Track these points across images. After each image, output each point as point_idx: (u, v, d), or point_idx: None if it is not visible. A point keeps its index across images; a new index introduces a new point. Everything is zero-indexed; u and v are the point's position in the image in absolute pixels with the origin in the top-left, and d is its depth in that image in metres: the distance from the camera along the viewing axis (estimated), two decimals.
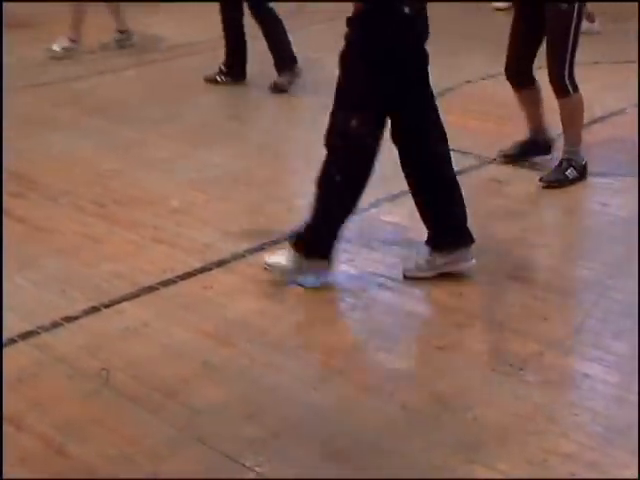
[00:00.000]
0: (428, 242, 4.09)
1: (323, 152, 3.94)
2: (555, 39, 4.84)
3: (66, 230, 4.66)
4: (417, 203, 4.09)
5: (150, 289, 4.05)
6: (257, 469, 2.92)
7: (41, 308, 3.92)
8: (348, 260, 4.26)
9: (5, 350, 3.58)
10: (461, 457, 2.96)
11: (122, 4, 8.32)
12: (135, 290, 4.03)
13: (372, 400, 3.28)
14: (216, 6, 6.92)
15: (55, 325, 3.78)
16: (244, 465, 2.94)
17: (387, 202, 4.79)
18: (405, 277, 4.08)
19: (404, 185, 4.13)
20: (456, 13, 8.80)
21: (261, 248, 4.36)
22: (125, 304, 3.95)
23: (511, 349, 3.53)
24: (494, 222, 4.61)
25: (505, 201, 4.88)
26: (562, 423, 3.12)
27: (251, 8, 6.76)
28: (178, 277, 4.15)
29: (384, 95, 3.87)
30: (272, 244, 4.33)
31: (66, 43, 7.96)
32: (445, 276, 4.05)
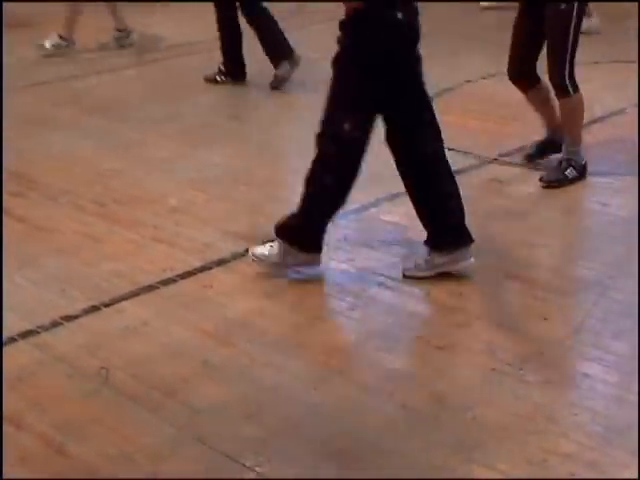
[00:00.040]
0: (427, 242, 4.09)
1: None
2: (554, 39, 4.83)
3: (66, 229, 4.66)
4: (414, 203, 4.10)
5: (150, 288, 4.05)
6: (257, 469, 2.92)
7: (41, 307, 3.92)
8: (348, 259, 4.26)
9: (5, 349, 3.58)
10: (461, 457, 2.96)
11: (122, 4, 8.33)
12: (135, 289, 4.04)
13: (372, 400, 3.28)
14: None
15: (55, 324, 3.78)
16: (244, 465, 2.94)
17: (387, 202, 4.79)
18: (405, 276, 4.08)
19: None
20: (456, 13, 8.81)
21: None
22: (125, 303, 3.95)
23: (511, 349, 3.53)
24: (494, 222, 4.61)
25: (505, 201, 4.88)
26: (562, 423, 3.12)
27: (243, 10, 6.78)
28: (178, 276, 4.15)
29: (376, 98, 3.90)
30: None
31: (56, 40, 7.95)
32: (445, 276, 4.05)
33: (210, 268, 4.22)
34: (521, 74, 5.06)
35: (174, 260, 4.29)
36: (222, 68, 7.04)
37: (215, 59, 7.06)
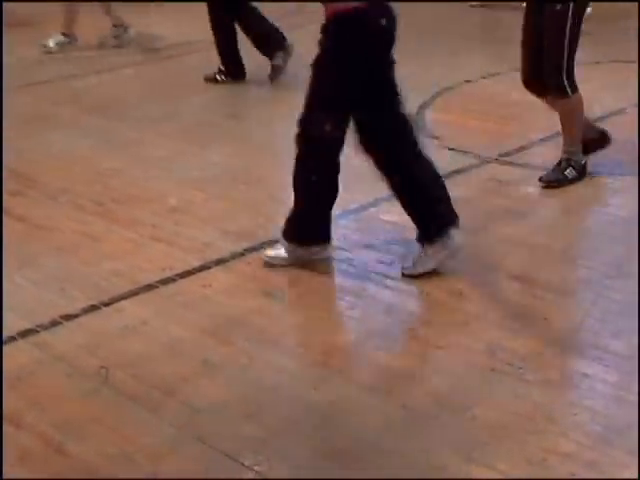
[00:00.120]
0: (419, 239, 4.12)
1: None
2: (551, 40, 4.81)
3: (65, 229, 4.66)
4: (400, 201, 4.16)
5: (149, 287, 4.05)
6: (256, 468, 2.92)
7: (40, 306, 3.92)
8: (347, 259, 4.26)
9: (5, 348, 3.58)
10: (460, 456, 2.96)
11: (117, 4, 8.34)
12: (134, 288, 4.03)
13: (371, 399, 3.28)
14: None
15: (54, 323, 3.78)
16: (243, 464, 2.94)
17: (385, 201, 4.77)
18: (404, 275, 4.09)
19: None
20: (456, 13, 8.81)
21: (260, 247, 4.36)
22: (124, 302, 3.95)
23: (511, 348, 3.53)
24: (494, 222, 4.61)
25: (505, 201, 4.88)
26: (561, 422, 3.12)
27: (227, 11, 6.81)
28: (177, 275, 4.15)
29: (355, 100, 3.96)
30: (271, 243, 4.33)
31: (60, 38, 7.99)
32: (445, 276, 4.05)
33: (209, 267, 4.22)
34: (534, 76, 4.94)
35: (173, 259, 4.29)
36: (222, 68, 7.05)
37: (214, 58, 7.06)
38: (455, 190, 4.89)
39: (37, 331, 3.72)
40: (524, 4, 5.07)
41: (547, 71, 4.86)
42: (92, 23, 8.15)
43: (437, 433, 3.09)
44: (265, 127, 6.17)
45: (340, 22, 3.88)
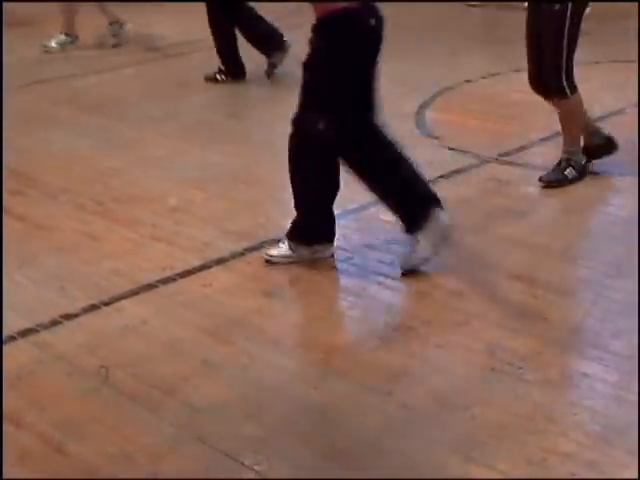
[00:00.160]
0: (408, 230, 4.14)
1: None
2: (549, 40, 4.80)
3: (65, 228, 4.66)
4: (379, 197, 4.21)
5: (149, 287, 4.05)
6: (256, 468, 2.92)
7: (40, 306, 3.92)
8: (347, 259, 4.26)
9: (4, 348, 3.58)
10: (460, 456, 2.96)
11: (123, 3, 8.35)
12: (134, 288, 4.04)
13: (371, 399, 3.28)
14: None
15: (54, 323, 3.78)
16: (243, 464, 2.94)
17: None
18: (404, 274, 4.09)
19: None
20: (456, 13, 8.81)
21: (260, 246, 4.36)
22: (124, 302, 3.95)
23: (510, 348, 3.53)
24: (494, 221, 4.61)
25: (505, 200, 4.88)
26: (561, 422, 3.12)
27: (224, 13, 6.83)
28: (177, 275, 4.15)
29: (347, 97, 3.98)
30: (271, 242, 4.33)
31: (62, 38, 8.00)
32: (445, 276, 4.06)
33: (209, 267, 4.22)
34: (539, 77, 4.91)
35: (173, 259, 4.29)
36: (222, 67, 7.05)
37: (214, 58, 7.06)
38: (455, 190, 4.91)
39: (37, 330, 3.72)
40: (525, 4, 5.07)
41: (546, 72, 4.86)
42: (91, 23, 8.16)
43: (437, 433, 3.09)
44: (265, 127, 6.17)
45: (331, 22, 3.91)
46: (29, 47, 8.03)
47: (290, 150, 4.08)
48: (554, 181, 5.00)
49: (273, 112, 6.48)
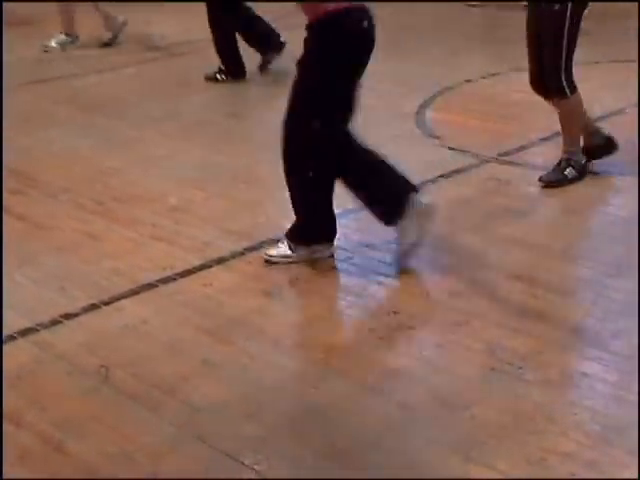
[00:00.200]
0: (388, 222, 4.15)
1: None
2: (549, 40, 4.80)
3: (66, 227, 4.66)
4: (355, 194, 4.19)
5: (149, 286, 4.05)
6: (256, 467, 2.92)
7: (41, 305, 3.92)
8: (347, 258, 4.26)
9: (5, 347, 3.58)
10: (460, 456, 2.96)
11: (122, 3, 8.36)
12: (134, 287, 4.04)
13: (371, 399, 3.28)
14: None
15: (54, 322, 3.78)
16: (243, 463, 2.94)
17: None
18: (401, 270, 4.10)
19: None
20: (456, 13, 8.81)
21: (260, 246, 4.36)
22: (124, 301, 3.95)
23: (510, 348, 3.53)
24: (494, 221, 4.61)
25: (505, 200, 4.88)
26: (561, 422, 3.12)
27: (222, 13, 6.85)
28: (177, 275, 4.15)
29: (337, 98, 4.00)
30: (271, 242, 4.33)
31: (62, 38, 8.02)
32: (445, 276, 4.06)
33: (210, 266, 4.22)
34: (539, 77, 4.91)
35: (173, 258, 4.29)
36: (222, 67, 7.06)
37: (214, 57, 7.07)
38: (455, 189, 4.92)
39: (37, 330, 3.72)
40: (524, 3, 5.07)
41: (546, 72, 4.86)
42: (91, 23, 8.16)
43: (437, 432, 3.09)
44: (265, 127, 6.15)
45: (324, 24, 3.93)
46: (29, 47, 8.03)
47: (283, 151, 4.08)
48: (554, 181, 5.01)
49: (273, 112, 6.46)
